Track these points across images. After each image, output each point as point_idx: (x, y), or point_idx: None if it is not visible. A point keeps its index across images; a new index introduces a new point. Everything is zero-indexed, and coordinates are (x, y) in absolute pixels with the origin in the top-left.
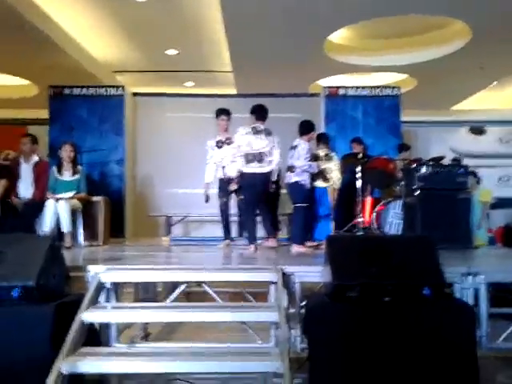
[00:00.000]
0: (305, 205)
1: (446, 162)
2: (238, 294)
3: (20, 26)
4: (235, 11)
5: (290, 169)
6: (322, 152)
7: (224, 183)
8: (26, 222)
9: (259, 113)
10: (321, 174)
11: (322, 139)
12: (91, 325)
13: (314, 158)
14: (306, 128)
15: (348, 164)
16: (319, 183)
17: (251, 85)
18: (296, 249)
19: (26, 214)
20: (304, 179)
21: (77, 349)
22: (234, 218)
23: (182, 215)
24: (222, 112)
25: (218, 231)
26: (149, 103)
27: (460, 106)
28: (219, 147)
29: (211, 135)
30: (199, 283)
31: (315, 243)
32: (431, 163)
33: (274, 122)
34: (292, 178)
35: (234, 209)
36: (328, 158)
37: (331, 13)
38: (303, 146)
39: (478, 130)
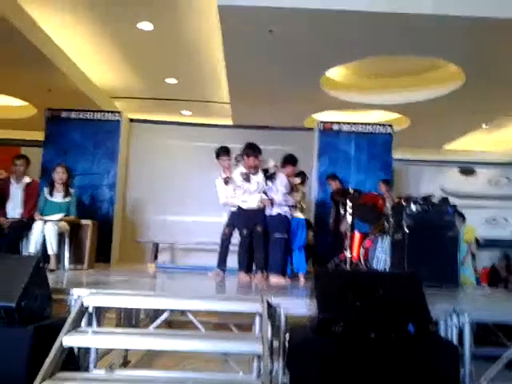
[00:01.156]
0: (286, 236)
1: (435, 200)
2: (222, 325)
3: (21, 48)
4: (236, 43)
5: (270, 201)
6: (297, 184)
7: (241, 214)
8: (11, 242)
9: None
10: (300, 206)
11: (301, 176)
12: (71, 349)
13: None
14: (287, 160)
15: (338, 199)
16: (298, 214)
17: (247, 116)
18: (274, 279)
19: (11, 234)
20: (285, 210)
21: (54, 373)
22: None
23: (169, 242)
24: (220, 152)
25: (205, 260)
26: (144, 130)
27: (452, 147)
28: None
29: (204, 164)
30: (183, 311)
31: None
32: (420, 201)
33: (268, 153)
34: (274, 210)
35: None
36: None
37: (328, 51)
38: (281, 180)
39: (468, 170)
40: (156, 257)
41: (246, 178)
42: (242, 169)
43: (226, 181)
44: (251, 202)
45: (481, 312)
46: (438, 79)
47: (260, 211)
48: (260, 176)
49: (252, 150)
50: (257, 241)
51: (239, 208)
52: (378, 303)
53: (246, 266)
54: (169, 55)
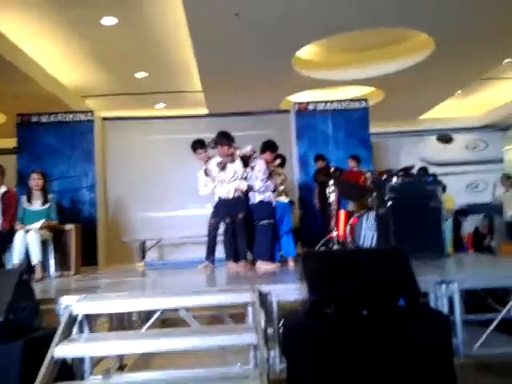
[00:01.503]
0: (272, 221)
1: (414, 171)
2: (216, 317)
3: None
4: (203, 31)
5: (251, 189)
6: (276, 168)
7: (221, 203)
8: None
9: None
10: (282, 190)
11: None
12: (64, 359)
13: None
14: (266, 146)
15: (320, 179)
16: (282, 198)
17: (222, 104)
18: (263, 266)
19: None
20: (267, 196)
21: None
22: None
23: (156, 239)
24: (196, 146)
25: (194, 253)
26: (119, 127)
27: (428, 116)
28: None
29: (183, 157)
30: (174, 309)
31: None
32: (401, 174)
33: (246, 139)
34: (256, 197)
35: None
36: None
37: (298, 29)
38: (259, 167)
39: (445, 138)
40: (144, 255)
41: (223, 167)
42: (217, 159)
43: (206, 172)
44: (229, 191)
45: (469, 280)
46: (409, 49)
47: (240, 199)
48: (237, 164)
49: (225, 138)
50: (238, 229)
51: (219, 198)
52: (367, 281)
53: (233, 254)
54: (136, 48)
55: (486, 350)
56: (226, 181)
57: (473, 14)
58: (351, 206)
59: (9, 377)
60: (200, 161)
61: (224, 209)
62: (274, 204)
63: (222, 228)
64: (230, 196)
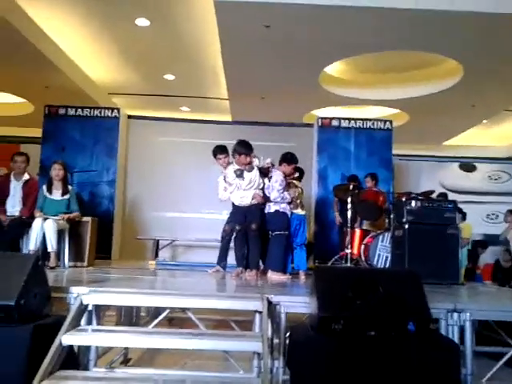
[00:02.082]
0: (286, 233)
1: (434, 196)
2: (222, 322)
3: (18, 46)
4: (233, 40)
5: (267, 199)
6: (295, 181)
7: (236, 210)
8: (11, 239)
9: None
10: (299, 202)
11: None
12: (70, 347)
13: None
14: (284, 158)
15: (339, 194)
16: (298, 211)
17: (246, 112)
18: (274, 277)
19: (11, 232)
20: (283, 207)
21: (53, 372)
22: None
23: (169, 239)
24: (216, 151)
25: (206, 256)
26: (143, 126)
27: (452, 142)
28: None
29: (204, 161)
30: (183, 309)
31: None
32: (421, 197)
33: (268, 150)
34: (271, 207)
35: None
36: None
37: (327, 46)
38: (276, 177)
39: (468, 166)
40: (157, 254)
41: (240, 175)
42: (234, 166)
43: (225, 178)
44: (244, 198)
45: (482, 310)
46: (437, 74)
47: (254, 208)
48: (254, 173)
49: (243, 147)
50: (251, 238)
51: (233, 205)
52: (379, 301)
53: (241, 262)
54: (166, 51)
55: (494, 383)
56: (241, 188)
57: (503, 46)
58: (366, 225)
59: (16, 359)
60: (219, 166)
61: (236, 216)
62: (289, 215)
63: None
64: (244, 203)
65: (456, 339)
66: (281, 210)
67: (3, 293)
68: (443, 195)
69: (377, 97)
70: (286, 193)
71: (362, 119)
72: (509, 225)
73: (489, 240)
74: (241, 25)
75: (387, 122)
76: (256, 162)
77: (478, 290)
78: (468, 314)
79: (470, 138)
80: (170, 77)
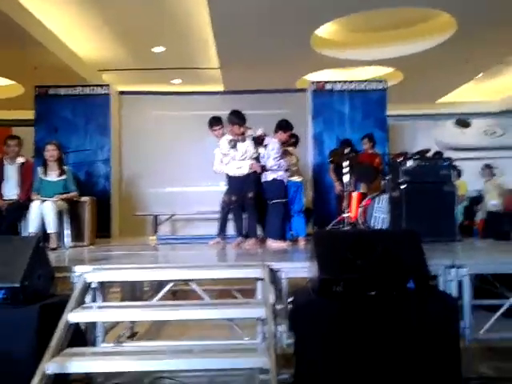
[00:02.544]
0: (283, 200)
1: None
2: (225, 292)
3: (4, 27)
4: (222, 8)
5: (264, 168)
6: (290, 148)
7: (232, 181)
8: (9, 223)
9: None
10: (295, 169)
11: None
12: (77, 325)
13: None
14: (279, 126)
15: (335, 159)
16: (295, 178)
17: (238, 81)
18: (274, 244)
19: (9, 216)
20: (280, 175)
21: (62, 349)
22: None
23: (168, 214)
24: (212, 122)
25: (205, 229)
26: (135, 101)
27: (446, 99)
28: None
29: (198, 133)
30: (186, 281)
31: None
32: (416, 157)
33: (262, 118)
34: (268, 176)
35: None
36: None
37: (317, 7)
38: (272, 145)
39: (463, 122)
40: (156, 229)
41: (233, 146)
42: (228, 136)
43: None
44: (240, 169)
45: (479, 264)
46: (430, 30)
47: (249, 177)
48: (247, 143)
49: (236, 118)
50: (248, 207)
51: (228, 176)
52: (378, 261)
53: (240, 232)
54: (154, 23)
55: (492, 334)
56: (235, 159)
57: None
58: (363, 187)
59: (25, 339)
60: (214, 138)
61: (232, 186)
62: (286, 183)
63: None
64: (240, 173)
65: (454, 294)
66: (278, 178)
67: (8, 275)
68: (438, 153)
69: (370, 57)
70: (282, 160)
71: (355, 81)
72: (485, 178)
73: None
74: None
75: (381, 82)
76: (249, 132)
77: (475, 245)
78: (465, 269)
79: (463, 94)
80: (159, 49)
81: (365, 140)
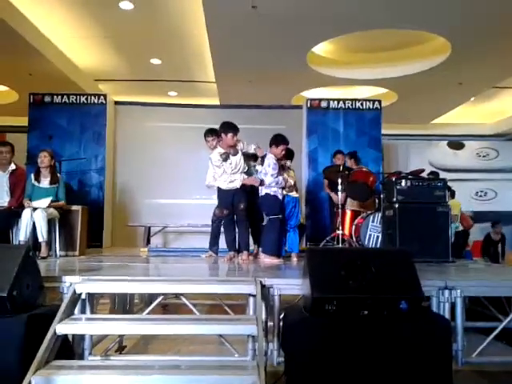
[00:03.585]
0: (280, 216)
1: (424, 175)
2: (216, 306)
3: (1, 32)
4: (219, 22)
5: (261, 182)
6: (288, 162)
7: (223, 194)
8: (1, 231)
9: None
10: (293, 185)
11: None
12: (65, 337)
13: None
14: (272, 140)
15: (330, 176)
16: (293, 193)
17: (234, 95)
18: (267, 260)
19: (0, 223)
20: (274, 190)
21: (49, 361)
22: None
23: (161, 226)
24: (206, 133)
25: (197, 242)
26: (131, 112)
27: (439, 121)
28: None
29: (193, 145)
30: (177, 295)
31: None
32: (410, 177)
33: (257, 133)
34: (262, 190)
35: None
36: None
37: (315, 26)
38: (268, 161)
39: (456, 144)
40: (148, 241)
41: (225, 158)
42: (220, 149)
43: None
44: (231, 182)
45: (472, 286)
46: (425, 52)
47: (241, 190)
48: (238, 156)
49: (228, 127)
50: (239, 220)
51: (219, 189)
52: (371, 281)
53: (232, 246)
54: (151, 35)
55: (484, 358)
56: (227, 172)
57: (491, 21)
58: (354, 205)
59: (11, 350)
60: (209, 151)
61: (224, 200)
62: (280, 198)
63: None
64: (231, 187)
65: (447, 316)
66: (271, 194)
67: None
68: (434, 174)
69: (365, 76)
70: (280, 177)
71: (350, 99)
72: None
73: (478, 217)
74: (227, 6)
75: (376, 102)
76: (240, 145)
77: (468, 266)
78: (459, 291)
79: (457, 115)
80: (156, 61)
81: (346, 158)
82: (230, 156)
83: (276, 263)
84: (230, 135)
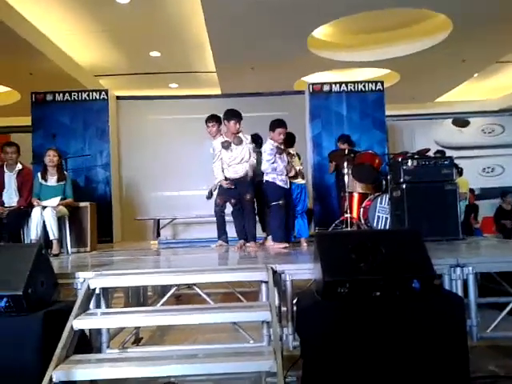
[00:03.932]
0: (280, 202)
1: (430, 154)
2: (229, 295)
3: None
4: (217, 11)
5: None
6: (292, 150)
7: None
8: (12, 230)
9: None
10: (299, 171)
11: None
12: (82, 332)
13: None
14: (271, 125)
15: (335, 160)
16: (299, 180)
17: (235, 84)
18: (275, 247)
19: (11, 223)
20: (273, 177)
21: (68, 356)
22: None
23: (169, 218)
24: (207, 119)
25: (206, 232)
26: (133, 106)
27: (443, 99)
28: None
29: (197, 136)
30: (189, 285)
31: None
32: (416, 156)
33: (260, 120)
34: (264, 178)
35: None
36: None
37: (314, 9)
38: (264, 147)
39: (461, 121)
40: (158, 233)
41: (227, 146)
42: (222, 138)
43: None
44: (235, 171)
45: (484, 263)
46: (426, 31)
47: (246, 179)
48: (242, 147)
49: (231, 114)
50: (246, 210)
51: (226, 178)
52: (382, 262)
53: (242, 235)
54: (149, 28)
55: (499, 333)
56: (235, 162)
57: None
58: (360, 187)
59: (29, 347)
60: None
61: (229, 189)
62: (281, 185)
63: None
64: (235, 176)
65: (460, 293)
66: (270, 180)
67: (10, 283)
68: (440, 152)
69: (367, 58)
70: (279, 163)
71: (353, 82)
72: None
73: (486, 193)
74: None
75: (378, 83)
76: (246, 138)
77: (479, 243)
78: (470, 268)
79: (461, 93)
80: (155, 54)
81: (339, 142)
82: (232, 145)
83: (282, 249)
84: (232, 122)
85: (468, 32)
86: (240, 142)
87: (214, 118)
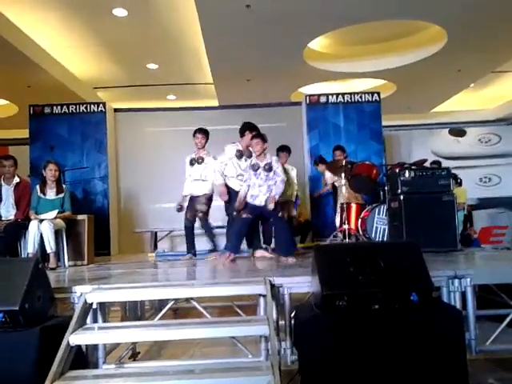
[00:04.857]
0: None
1: (427, 165)
2: (227, 308)
3: None
4: (214, 23)
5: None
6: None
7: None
8: (8, 243)
9: None
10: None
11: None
12: (79, 347)
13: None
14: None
15: (332, 172)
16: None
17: (233, 96)
18: (258, 254)
19: (8, 236)
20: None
21: (64, 372)
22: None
23: (167, 230)
24: (196, 131)
25: (204, 244)
26: (130, 118)
27: (439, 109)
28: (191, 165)
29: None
30: (187, 299)
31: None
32: (414, 167)
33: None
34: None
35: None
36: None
37: (310, 21)
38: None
39: (457, 131)
40: (156, 246)
41: (239, 156)
42: (238, 146)
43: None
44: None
45: (482, 275)
46: (421, 42)
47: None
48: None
49: (248, 127)
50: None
51: (232, 190)
52: (380, 275)
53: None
54: (147, 40)
55: (498, 345)
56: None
57: (485, 6)
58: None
59: (25, 363)
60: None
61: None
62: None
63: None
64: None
65: (458, 305)
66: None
67: (7, 298)
68: (437, 163)
69: (363, 69)
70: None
71: (349, 93)
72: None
73: (483, 203)
74: (221, 6)
75: (375, 94)
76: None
77: (477, 254)
78: (468, 280)
79: (458, 102)
80: (152, 66)
81: (337, 152)
82: (244, 157)
83: (266, 256)
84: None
85: (463, 43)
86: (250, 156)
87: (201, 132)
